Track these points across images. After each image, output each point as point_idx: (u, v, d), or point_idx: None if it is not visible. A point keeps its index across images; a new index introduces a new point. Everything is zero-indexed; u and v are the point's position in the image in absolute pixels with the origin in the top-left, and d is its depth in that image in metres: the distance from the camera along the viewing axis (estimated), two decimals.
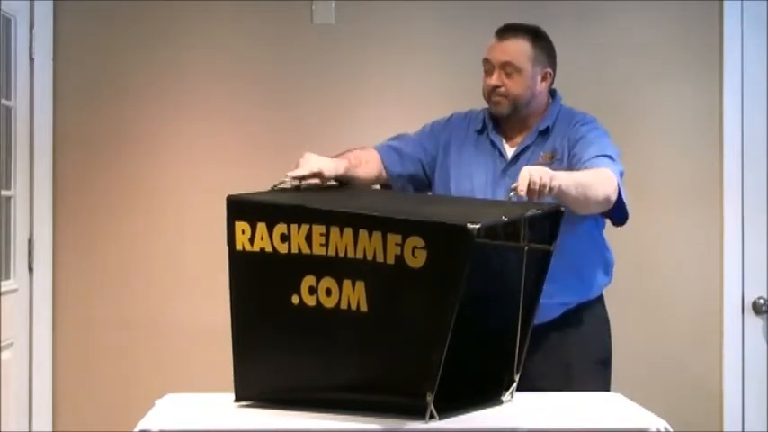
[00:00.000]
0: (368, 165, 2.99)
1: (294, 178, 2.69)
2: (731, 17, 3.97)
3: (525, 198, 2.47)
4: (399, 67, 3.97)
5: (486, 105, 3.08)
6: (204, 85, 3.96)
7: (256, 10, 3.96)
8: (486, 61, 3.00)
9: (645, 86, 3.98)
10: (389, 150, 3.06)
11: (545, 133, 3.00)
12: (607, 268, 3.05)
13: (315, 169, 2.73)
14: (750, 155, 3.98)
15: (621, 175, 2.87)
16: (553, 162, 2.91)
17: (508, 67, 2.96)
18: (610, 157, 2.87)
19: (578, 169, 2.82)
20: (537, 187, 2.47)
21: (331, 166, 2.80)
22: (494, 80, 2.97)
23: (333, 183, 2.85)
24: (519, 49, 2.97)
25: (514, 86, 2.96)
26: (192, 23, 3.96)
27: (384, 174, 3.03)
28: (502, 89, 2.97)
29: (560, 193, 2.59)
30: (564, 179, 2.60)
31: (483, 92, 3.02)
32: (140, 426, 2.29)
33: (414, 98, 3.95)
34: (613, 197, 2.78)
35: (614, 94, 3.95)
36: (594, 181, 2.74)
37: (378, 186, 3.05)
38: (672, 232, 3.95)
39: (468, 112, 3.14)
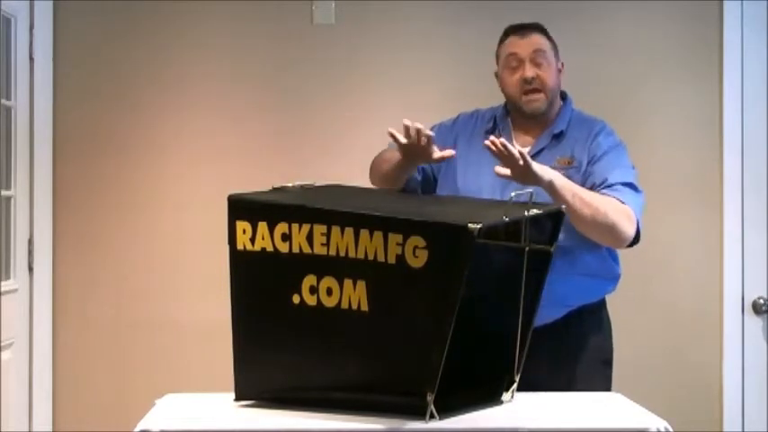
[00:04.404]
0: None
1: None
2: (731, 17, 3.97)
3: (526, 197, 2.46)
4: (399, 67, 3.97)
5: (488, 106, 3.07)
6: (204, 85, 3.96)
7: (256, 10, 3.96)
8: (512, 57, 2.94)
9: (645, 86, 3.99)
10: None
11: (559, 137, 2.97)
12: (613, 280, 3.02)
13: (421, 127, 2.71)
14: (750, 154, 3.98)
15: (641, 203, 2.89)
16: (570, 168, 2.90)
17: (539, 57, 2.92)
18: (633, 187, 2.86)
19: (599, 190, 2.82)
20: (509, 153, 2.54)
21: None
22: (528, 72, 2.91)
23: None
24: (542, 41, 2.96)
25: (547, 77, 2.93)
26: (191, 23, 3.96)
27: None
28: (538, 81, 2.92)
29: (552, 191, 2.67)
30: (564, 182, 2.62)
31: (511, 90, 2.96)
32: (140, 426, 2.29)
33: (414, 98, 3.94)
34: (627, 238, 2.81)
35: (614, 93, 3.95)
36: (617, 215, 2.77)
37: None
38: (672, 232, 3.96)
39: (474, 112, 3.11)
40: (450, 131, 3.07)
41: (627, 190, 2.83)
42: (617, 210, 2.78)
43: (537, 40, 2.96)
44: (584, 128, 2.98)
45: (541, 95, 2.93)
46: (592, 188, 2.84)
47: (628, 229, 2.80)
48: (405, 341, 2.28)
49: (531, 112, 2.95)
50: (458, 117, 3.12)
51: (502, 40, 3.01)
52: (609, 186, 2.83)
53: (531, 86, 2.92)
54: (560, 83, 3.00)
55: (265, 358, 2.44)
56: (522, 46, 2.94)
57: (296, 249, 2.37)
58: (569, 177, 2.86)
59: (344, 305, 2.32)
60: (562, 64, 3.01)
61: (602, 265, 2.95)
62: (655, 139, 3.96)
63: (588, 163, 2.91)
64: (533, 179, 2.64)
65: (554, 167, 2.85)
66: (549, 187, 2.69)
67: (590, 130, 2.97)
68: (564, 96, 3.05)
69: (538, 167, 2.66)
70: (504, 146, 2.60)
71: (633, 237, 2.84)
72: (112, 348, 3.92)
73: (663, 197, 3.94)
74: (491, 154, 2.64)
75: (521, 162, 2.61)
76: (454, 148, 3.00)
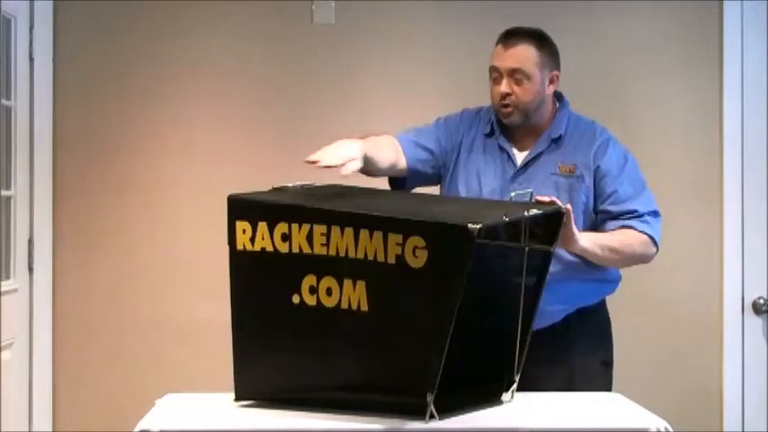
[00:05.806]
0: (386, 150, 2.93)
1: (326, 167, 2.65)
2: (731, 17, 3.97)
3: (526, 197, 2.47)
4: (399, 67, 3.97)
5: (488, 104, 3.07)
6: (204, 84, 3.96)
7: (256, 10, 3.96)
8: (493, 69, 2.93)
9: (645, 86, 3.98)
10: (411, 145, 3.01)
11: (558, 141, 2.96)
12: (613, 283, 3.04)
13: (346, 158, 2.69)
14: (750, 155, 3.98)
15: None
16: (572, 177, 2.91)
17: (517, 74, 2.90)
18: (656, 213, 2.97)
19: (626, 219, 2.92)
20: None
21: (357, 151, 2.75)
22: (503, 87, 2.90)
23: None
24: (526, 55, 2.91)
25: (524, 94, 2.91)
26: (191, 23, 3.96)
27: (403, 164, 2.98)
28: (512, 97, 2.90)
29: (585, 253, 2.82)
30: (591, 242, 2.80)
31: (492, 100, 2.97)
32: (140, 426, 2.29)
33: (413, 98, 3.95)
34: (651, 258, 2.98)
35: (614, 93, 3.95)
36: (641, 247, 2.94)
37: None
38: (672, 232, 3.94)
39: (478, 110, 3.08)
40: (458, 129, 3.04)
41: (653, 219, 2.95)
42: (640, 242, 2.92)
43: (520, 53, 2.91)
44: (584, 134, 2.98)
45: (515, 110, 2.92)
46: (619, 215, 2.92)
47: (651, 251, 2.96)
48: (405, 341, 2.28)
49: (507, 124, 2.97)
50: (462, 113, 3.09)
51: (495, 46, 2.99)
52: (639, 217, 2.93)
53: (504, 102, 2.92)
54: (546, 93, 2.95)
55: (265, 358, 2.44)
56: (504, 59, 2.92)
57: (296, 249, 2.37)
58: (571, 186, 2.89)
59: (344, 305, 2.32)
60: (555, 75, 2.96)
61: (602, 270, 2.96)
62: (655, 140, 3.96)
63: (598, 176, 2.93)
64: (572, 243, 2.73)
65: (555, 173, 2.88)
66: (582, 251, 2.81)
67: (592, 137, 2.97)
68: (560, 98, 3.04)
69: (577, 233, 2.74)
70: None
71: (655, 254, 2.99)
72: (112, 348, 3.92)
73: (663, 197, 3.88)
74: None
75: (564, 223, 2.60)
76: (460, 147, 3.02)
